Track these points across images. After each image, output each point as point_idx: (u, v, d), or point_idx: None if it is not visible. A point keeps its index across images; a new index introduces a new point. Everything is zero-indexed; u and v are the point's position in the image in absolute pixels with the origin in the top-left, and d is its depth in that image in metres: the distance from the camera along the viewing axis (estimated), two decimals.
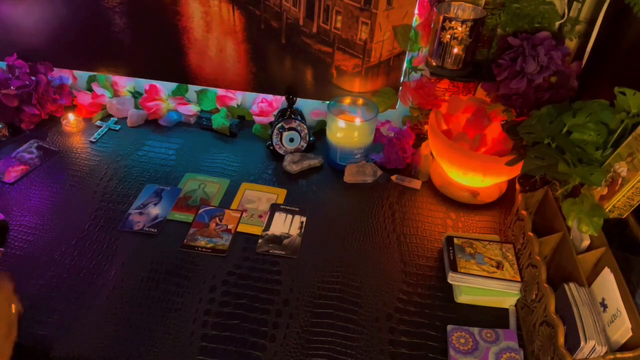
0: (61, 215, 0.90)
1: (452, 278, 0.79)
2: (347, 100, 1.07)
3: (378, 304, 0.78)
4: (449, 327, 0.74)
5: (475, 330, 0.73)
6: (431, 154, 1.01)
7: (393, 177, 1.04)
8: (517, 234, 0.84)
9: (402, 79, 1.09)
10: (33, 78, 1.09)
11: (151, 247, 0.85)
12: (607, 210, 0.67)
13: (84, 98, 1.17)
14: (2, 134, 1.09)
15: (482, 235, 0.90)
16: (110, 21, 1.08)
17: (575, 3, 0.89)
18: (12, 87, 1.07)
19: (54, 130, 1.13)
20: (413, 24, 1.00)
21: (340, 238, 0.89)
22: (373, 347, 0.72)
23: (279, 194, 0.98)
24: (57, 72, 1.18)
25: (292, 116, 1.06)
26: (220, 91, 1.17)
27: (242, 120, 1.19)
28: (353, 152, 1.03)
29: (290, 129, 1.05)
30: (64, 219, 0.90)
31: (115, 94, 1.21)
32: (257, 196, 0.98)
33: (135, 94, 1.22)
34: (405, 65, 1.06)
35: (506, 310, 0.78)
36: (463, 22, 0.88)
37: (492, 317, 0.77)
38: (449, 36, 0.89)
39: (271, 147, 1.08)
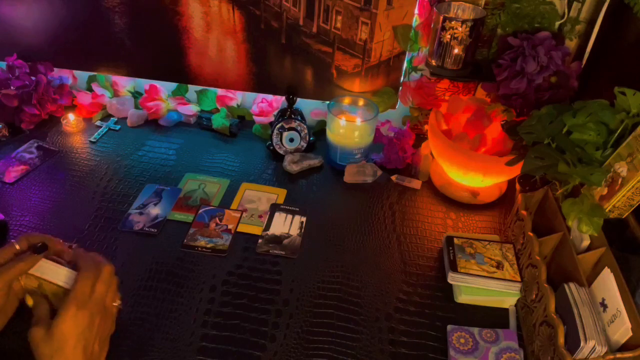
0: (61, 215, 0.90)
1: (452, 278, 0.79)
2: (347, 100, 1.07)
3: (378, 304, 0.78)
4: (449, 327, 0.74)
5: (475, 330, 0.73)
6: (431, 154, 1.01)
7: (393, 177, 1.04)
8: (517, 234, 0.84)
9: (402, 79, 1.09)
10: (33, 78, 1.09)
11: (151, 247, 0.85)
12: (607, 210, 0.67)
13: (84, 98, 1.17)
14: (2, 134, 1.09)
15: (482, 235, 0.90)
16: (110, 21, 1.08)
17: (575, 3, 0.89)
18: (12, 87, 1.07)
19: (54, 130, 1.13)
20: (413, 24, 1.00)
21: (340, 238, 0.89)
22: (373, 347, 0.72)
23: (279, 194, 0.98)
24: (57, 72, 1.18)
25: (292, 116, 1.06)
26: (220, 91, 1.17)
27: (242, 120, 1.19)
28: (353, 152, 1.03)
29: (290, 129, 1.05)
30: (64, 219, 0.90)
31: (115, 94, 1.21)
32: (257, 196, 0.98)
33: (135, 94, 1.22)
34: (405, 65, 1.06)
35: (506, 310, 0.78)
36: (463, 22, 0.88)
37: (492, 317, 0.77)
38: (449, 36, 0.89)
39: (271, 147, 1.08)
